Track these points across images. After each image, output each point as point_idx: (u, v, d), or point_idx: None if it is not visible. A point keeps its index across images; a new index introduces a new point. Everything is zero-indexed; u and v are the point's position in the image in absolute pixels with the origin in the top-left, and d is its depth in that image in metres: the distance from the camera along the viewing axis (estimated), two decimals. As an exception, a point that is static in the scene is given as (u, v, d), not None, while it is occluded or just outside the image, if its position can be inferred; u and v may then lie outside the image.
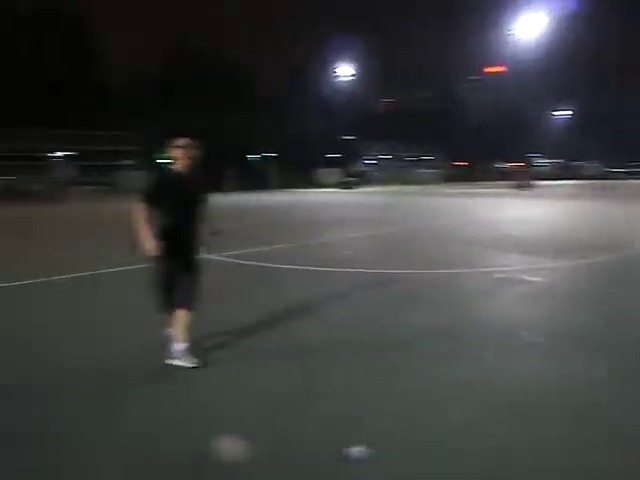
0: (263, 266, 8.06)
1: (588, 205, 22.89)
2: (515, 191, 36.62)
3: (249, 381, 3.61)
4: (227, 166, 50.58)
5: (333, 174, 64.45)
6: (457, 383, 3.50)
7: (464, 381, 3.52)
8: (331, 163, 71.99)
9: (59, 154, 47.09)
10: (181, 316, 3.82)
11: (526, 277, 6.84)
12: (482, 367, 3.78)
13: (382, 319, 5.08)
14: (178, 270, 3.80)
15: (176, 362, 3.79)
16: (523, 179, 39.69)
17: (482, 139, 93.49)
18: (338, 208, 22.28)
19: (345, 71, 57.37)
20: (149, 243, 3.66)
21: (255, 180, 54.19)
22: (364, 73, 68.87)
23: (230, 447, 2.70)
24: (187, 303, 3.81)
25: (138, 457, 2.66)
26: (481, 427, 2.89)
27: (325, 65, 59.32)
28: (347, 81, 57.42)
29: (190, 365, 3.74)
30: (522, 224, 13.75)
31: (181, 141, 3.80)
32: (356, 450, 2.62)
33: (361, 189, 48.92)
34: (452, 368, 3.76)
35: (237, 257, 8.76)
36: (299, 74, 64.59)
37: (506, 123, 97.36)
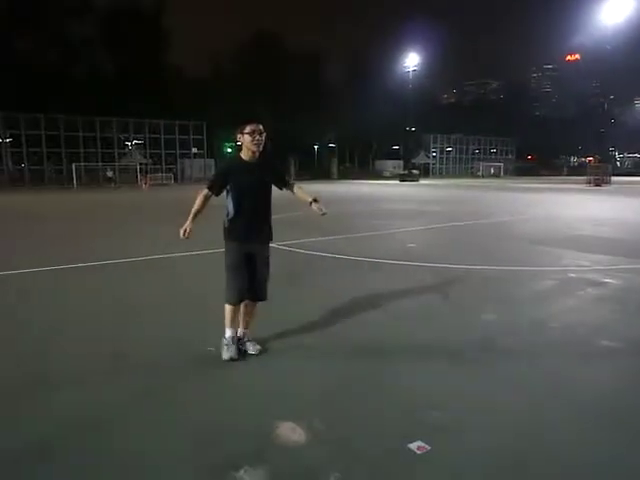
0: (327, 256, 8.09)
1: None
2: (589, 187, 34.63)
3: (311, 373, 3.64)
4: (289, 155, 51.25)
5: (394, 166, 63.66)
6: (534, 388, 3.36)
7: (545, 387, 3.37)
8: (393, 154, 71.00)
9: (131, 142, 49.46)
10: (254, 308, 3.87)
11: (599, 278, 6.45)
12: (561, 373, 3.60)
13: (452, 317, 4.96)
14: (251, 258, 3.70)
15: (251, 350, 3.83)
16: (598, 175, 37.38)
17: (554, 132, 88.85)
18: (400, 201, 21.96)
19: (411, 60, 56.14)
20: (186, 225, 3.64)
21: (316, 169, 54.45)
22: (431, 62, 67.25)
23: (292, 432, 2.74)
24: (262, 295, 3.82)
25: (201, 437, 2.76)
26: (588, 437, 2.76)
27: (391, 53, 58.32)
28: (413, 70, 56.14)
29: (227, 357, 3.70)
30: (593, 222, 12.95)
31: (250, 126, 3.57)
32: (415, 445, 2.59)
33: (423, 181, 47.98)
34: (531, 371, 3.62)
35: (300, 246, 8.86)
36: (364, 62, 63.90)
37: (581, 115, 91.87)
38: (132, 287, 6.27)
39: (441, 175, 71.03)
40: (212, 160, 49.57)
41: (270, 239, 3.87)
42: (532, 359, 3.82)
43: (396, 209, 17.17)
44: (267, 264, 3.84)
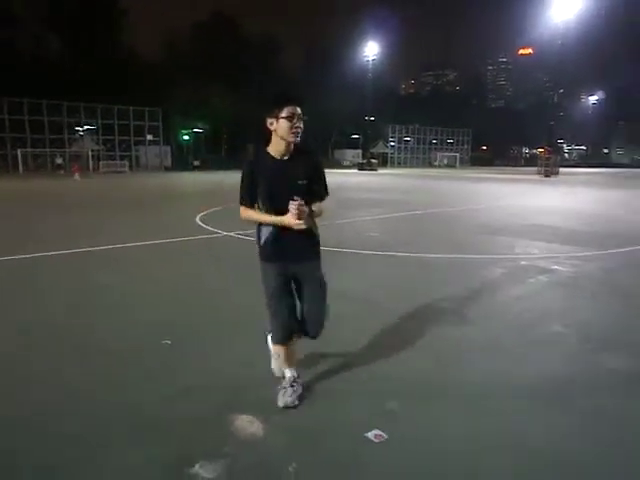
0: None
1: (615, 195, 22.30)
2: (540, 178, 35.88)
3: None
4: (247, 144, 50.57)
5: (353, 155, 63.95)
6: (486, 372, 3.44)
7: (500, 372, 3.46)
8: (352, 144, 71.27)
9: (82, 128, 47.47)
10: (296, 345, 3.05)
11: (549, 265, 6.70)
12: (512, 358, 3.71)
13: (407, 304, 5.02)
14: (297, 282, 2.93)
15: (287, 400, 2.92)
16: (548, 166, 38.80)
17: (508, 123, 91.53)
18: (357, 189, 22.11)
19: (370, 49, 56.22)
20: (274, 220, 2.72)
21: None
22: (390, 52, 67.53)
23: (250, 424, 2.70)
24: (313, 330, 2.96)
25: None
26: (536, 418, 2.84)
27: (350, 42, 58.20)
28: (372, 59, 56.27)
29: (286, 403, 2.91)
30: (545, 211, 13.45)
31: (289, 108, 2.64)
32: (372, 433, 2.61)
33: (382, 171, 48.47)
34: (482, 356, 3.71)
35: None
36: (322, 49, 63.53)
37: (533, 107, 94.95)
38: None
39: (399, 165, 71.98)
40: (168, 147, 48.37)
41: (317, 254, 2.95)
42: (484, 346, 3.92)
43: (355, 198, 17.26)
44: (320, 287, 2.93)
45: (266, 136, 2.74)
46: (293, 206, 2.57)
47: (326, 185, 2.85)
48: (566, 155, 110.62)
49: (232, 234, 9.03)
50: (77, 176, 31.66)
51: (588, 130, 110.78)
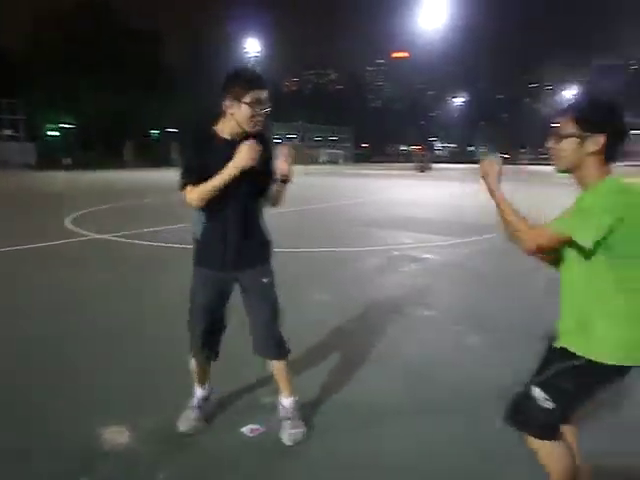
0: (171, 247, 7.72)
1: (478, 187, 24.59)
2: (414, 173, 38.37)
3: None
4: (126, 141, 47.73)
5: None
6: (369, 353, 3.60)
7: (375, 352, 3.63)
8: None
9: None
10: (279, 369, 2.57)
11: (420, 254, 7.22)
12: (388, 342, 3.92)
13: (286, 298, 5.07)
14: (241, 292, 2.53)
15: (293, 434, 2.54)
16: (422, 162, 41.69)
17: (386, 122, 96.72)
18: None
19: (252, 46, 55.97)
20: None
21: (156, 156, 51.41)
22: (273, 49, 67.70)
23: (119, 435, 2.55)
24: (269, 349, 2.55)
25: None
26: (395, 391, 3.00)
27: (232, 38, 57.31)
28: (254, 56, 56.05)
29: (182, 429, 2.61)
30: (419, 204, 14.46)
31: (253, 93, 2.23)
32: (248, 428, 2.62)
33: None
34: (361, 340, 3.87)
35: (141, 237, 8.32)
36: (203, 44, 61.79)
37: (409, 107, 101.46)
38: None
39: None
40: (32, 144, 43.88)
41: (265, 258, 2.54)
42: (360, 332, 4.12)
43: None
44: (269, 296, 2.53)
45: (219, 115, 2.32)
46: (245, 145, 2.19)
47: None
48: (439, 152, 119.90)
49: (107, 237, 8.48)
50: None
51: (456, 129, 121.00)
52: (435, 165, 47.20)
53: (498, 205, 1.87)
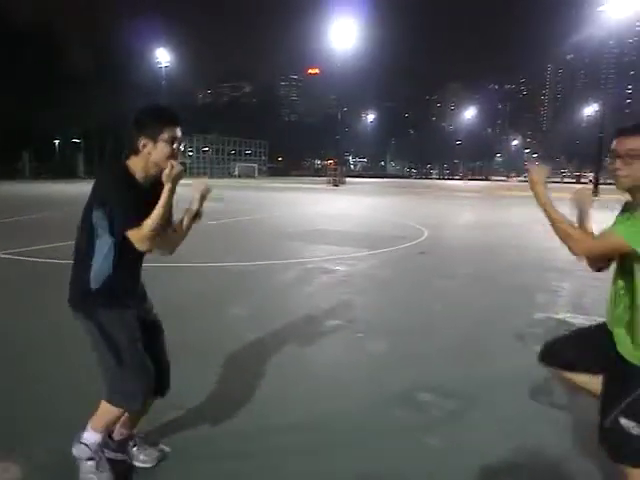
0: (62, 263, 7.22)
1: (387, 201, 25.67)
2: (328, 187, 39.25)
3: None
4: (23, 151, 44.27)
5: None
6: (273, 360, 3.59)
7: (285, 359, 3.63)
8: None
9: None
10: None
11: (332, 266, 7.37)
12: (303, 353, 3.94)
13: (202, 314, 4.95)
14: (146, 326, 2.35)
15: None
16: (336, 176, 42.75)
17: (301, 136, 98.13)
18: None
19: (163, 56, 54.46)
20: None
21: (58, 168, 48.21)
22: (184, 62, 66.36)
23: (4, 472, 2.33)
24: (169, 381, 2.46)
25: None
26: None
27: (143, 47, 55.26)
28: (165, 66, 54.55)
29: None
30: (332, 217, 14.80)
31: (171, 129, 2.14)
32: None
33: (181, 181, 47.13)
34: (274, 352, 3.86)
35: (32, 254, 7.71)
36: (111, 51, 59.00)
37: (322, 122, 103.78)
38: None
39: (198, 175, 71.08)
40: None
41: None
42: (271, 345, 4.13)
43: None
44: (161, 328, 2.48)
45: (131, 154, 2.15)
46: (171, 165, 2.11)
47: None
48: (352, 166, 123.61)
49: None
50: None
51: (368, 144, 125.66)
52: (348, 179, 48.55)
53: (547, 212, 1.89)
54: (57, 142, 55.93)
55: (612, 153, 1.85)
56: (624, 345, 1.88)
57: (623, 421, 1.78)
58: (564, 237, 1.87)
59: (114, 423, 2.33)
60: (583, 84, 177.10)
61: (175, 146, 2.16)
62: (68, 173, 47.87)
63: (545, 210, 1.91)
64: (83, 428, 2.27)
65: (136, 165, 2.15)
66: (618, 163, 1.82)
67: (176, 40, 60.96)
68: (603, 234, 1.80)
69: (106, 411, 2.23)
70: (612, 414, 1.81)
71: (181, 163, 2.21)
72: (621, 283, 1.89)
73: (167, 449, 2.53)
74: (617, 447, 1.83)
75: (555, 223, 1.88)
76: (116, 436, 2.45)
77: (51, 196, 21.96)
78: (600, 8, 37.61)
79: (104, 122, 50.33)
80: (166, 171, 2.10)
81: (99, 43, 58.06)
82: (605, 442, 1.88)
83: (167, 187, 2.12)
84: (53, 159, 53.54)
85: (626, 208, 1.96)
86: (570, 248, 1.86)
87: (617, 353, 1.90)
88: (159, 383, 2.30)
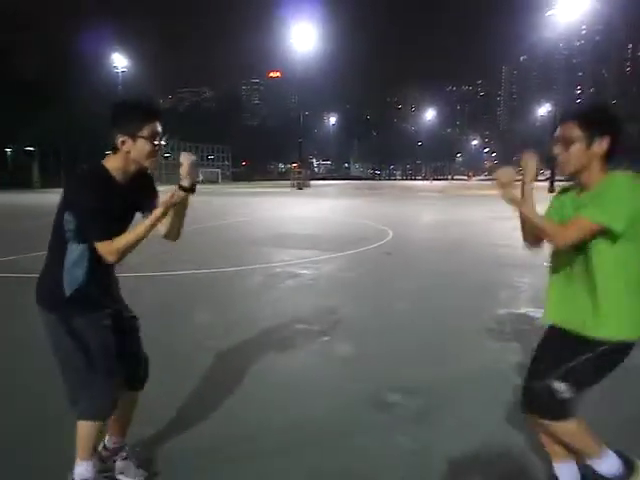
0: (12, 277, 6.93)
1: (351, 203, 25.85)
2: (293, 190, 39.24)
3: None
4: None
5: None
6: (243, 370, 3.53)
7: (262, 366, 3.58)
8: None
9: None
10: (128, 401, 2.35)
11: (298, 270, 7.35)
12: (268, 359, 3.90)
13: (169, 322, 4.83)
14: (121, 325, 2.26)
15: None
16: (300, 179, 42.75)
17: (264, 140, 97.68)
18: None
19: (119, 61, 53.23)
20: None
21: (9, 178, 46.28)
22: (142, 67, 65.06)
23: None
24: (147, 373, 2.43)
25: None
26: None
27: (98, 51, 53.81)
28: (122, 71, 53.32)
29: None
30: (298, 221, 14.77)
31: (152, 126, 2.03)
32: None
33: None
34: (239, 357, 3.79)
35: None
36: (65, 55, 57.11)
37: (285, 126, 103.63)
38: None
39: (160, 181, 69.77)
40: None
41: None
42: (243, 351, 4.08)
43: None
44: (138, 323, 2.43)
45: (111, 153, 2.04)
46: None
47: None
48: (315, 169, 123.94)
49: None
50: None
51: (332, 147, 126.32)
52: (313, 182, 48.64)
53: (521, 211, 1.90)
54: (10, 150, 53.76)
55: (554, 140, 1.93)
56: (577, 320, 1.93)
57: (556, 384, 1.88)
58: (541, 232, 1.92)
59: (99, 440, 2.24)
60: (536, 85, 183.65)
61: (156, 143, 2.05)
62: (22, 184, 46.05)
63: (520, 210, 1.93)
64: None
65: (114, 164, 2.02)
66: (557, 149, 1.90)
67: (133, 44, 59.53)
68: (575, 222, 1.84)
69: (85, 434, 2.12)
70: (547, 378, 1.90)
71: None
72: (577, 260, 1.94)
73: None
74: (547, 405, 1.92)
75: (531, 220, 1.89)
76: (109, 445, 2.39)
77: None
78: (549, 12, 39.05)
79: (58, 128, 48.72)
80: (165, 198, 2.01)
81: (50, 44, 56.15)
82: (531, 402, 1.98)
83: (158, 211, 2.04)
84: (6, 168, 51.43)
85: (564, 190, 2.06)
86: (550, 241, 1.92)
87: (563, 329, 1.99)
88: (138, 374, 2.31)
